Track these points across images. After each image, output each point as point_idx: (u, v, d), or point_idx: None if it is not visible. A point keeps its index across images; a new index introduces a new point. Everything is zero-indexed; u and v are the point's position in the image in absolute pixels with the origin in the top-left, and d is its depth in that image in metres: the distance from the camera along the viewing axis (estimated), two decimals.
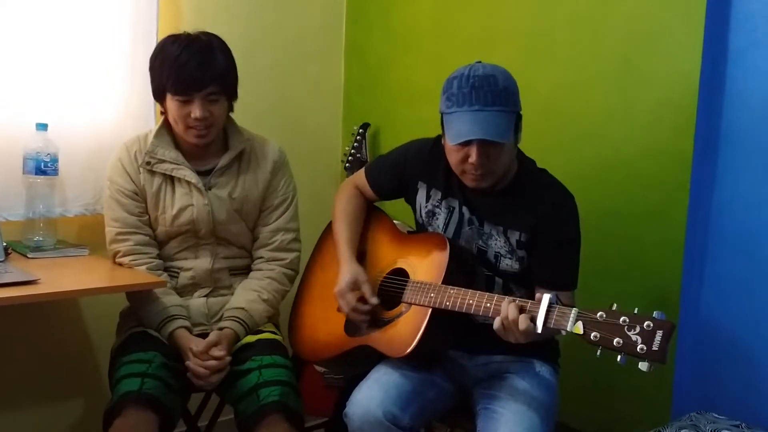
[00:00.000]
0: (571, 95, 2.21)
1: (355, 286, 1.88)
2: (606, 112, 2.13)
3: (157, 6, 2.35)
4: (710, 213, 1.94)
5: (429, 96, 2.59)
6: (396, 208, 2.13)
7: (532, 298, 1.60)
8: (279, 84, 2.71)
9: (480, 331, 1.80)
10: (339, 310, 1.95)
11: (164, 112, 1.99)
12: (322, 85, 2.87)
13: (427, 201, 1.92)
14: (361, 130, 2.70)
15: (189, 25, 2.41)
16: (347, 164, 2.67)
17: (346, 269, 1.91)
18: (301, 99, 2.80)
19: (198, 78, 1.88)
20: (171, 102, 1.92)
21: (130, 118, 2.32)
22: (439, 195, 1.90)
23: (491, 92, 1.67)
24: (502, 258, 1.82)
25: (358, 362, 1.90)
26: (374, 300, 1.86)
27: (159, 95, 1.96)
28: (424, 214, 1.93)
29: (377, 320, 1.87)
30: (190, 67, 1.87)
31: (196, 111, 1.89)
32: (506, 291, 1.83)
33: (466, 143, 1.69)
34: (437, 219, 1.90)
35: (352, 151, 2.68)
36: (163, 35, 2.30)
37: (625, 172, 2.08)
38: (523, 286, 1.84)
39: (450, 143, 1.71)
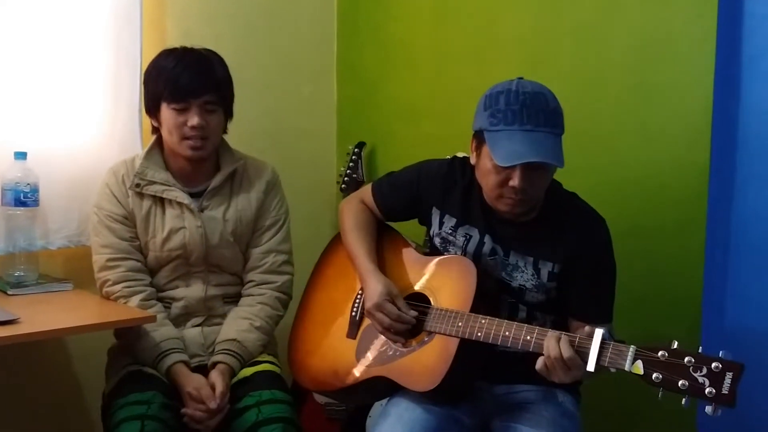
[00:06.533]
0: (578, 109, 2.10)
1: (390, 297, 1.74)
2: (616, 127, 2.08)
3: (140, 27, 2.26)
4: (730, 226, 1.87)
5: (427, 111, 2.54)
6: (407, 228, 2.01)
7: (561, 325, 1.49)
8: (270, 105, 2.65)
9: (500, 359, 1.70)
10: (350, 335, 1.82)
11: (157, 128, 1.93)
12: (314, 104, 2.80)
13: (440, 228, 1.80)
14: (356, 150, 2.62)
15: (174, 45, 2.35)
16: (343, 185, 2.60)
17: (374, 281, 1.77)
18: (294, 119, 2.74)
19: (196, 85, 1.86)
20: (166, 111, 1.87)
21: (115, 144, 2.24)
22: (453, 222, 1.78)
23: (543, 112, 1.57)
24: (527, 291, 1.71)
25: (372, 394, 1.78)
26: (413, 313, 1.72)
27: (153, 107, 1.91)
28: (438, 242, 1.82)
29: (395, 350, 1.74)
30: (187, 74, 1.86)
31: (193, 119, 1.85)
32: (530, 319, 1.71)
33: (510, 165, 1.57)
34: (452, 247, 1.78)
35: (348, 171, 2.61)
36: (147, 57, 2.23)
37: (639, 187, 2.02)
38: (549, 313, 1.73)
39: (499, 164, 1.57)
